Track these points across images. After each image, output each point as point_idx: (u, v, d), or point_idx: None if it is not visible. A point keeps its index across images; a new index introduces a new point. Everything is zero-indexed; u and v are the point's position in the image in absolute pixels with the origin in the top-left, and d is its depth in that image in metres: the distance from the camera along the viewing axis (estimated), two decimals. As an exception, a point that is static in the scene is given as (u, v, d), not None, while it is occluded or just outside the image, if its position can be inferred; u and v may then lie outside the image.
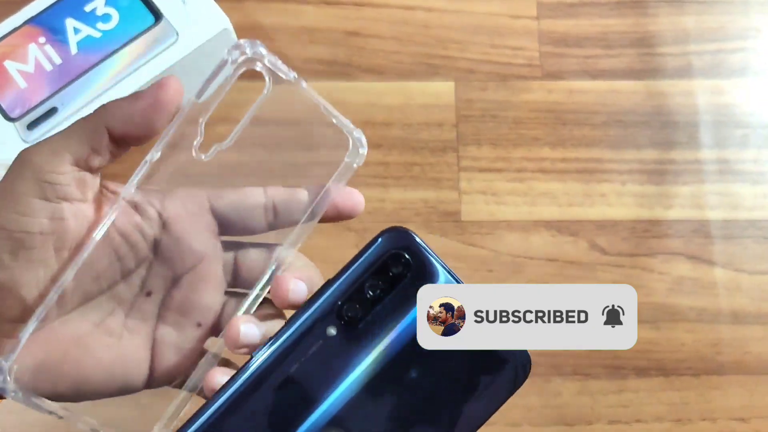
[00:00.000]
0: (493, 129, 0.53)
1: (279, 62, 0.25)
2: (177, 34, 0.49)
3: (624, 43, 0.55)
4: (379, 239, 0.23)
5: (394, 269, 0.23)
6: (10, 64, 0.48)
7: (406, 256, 0.23)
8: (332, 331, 0.23)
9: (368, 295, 0.23)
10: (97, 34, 0.49)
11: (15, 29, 0.49)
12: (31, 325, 0.24)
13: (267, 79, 0.25)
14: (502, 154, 0.53)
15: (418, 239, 0.24)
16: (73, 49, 0.48)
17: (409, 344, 0.23)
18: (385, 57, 0.55)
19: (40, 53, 0.48)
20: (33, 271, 0.24)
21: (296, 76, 0.26)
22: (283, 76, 0.25)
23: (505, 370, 0.24)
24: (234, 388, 0.23)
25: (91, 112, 0.25)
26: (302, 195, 0.27)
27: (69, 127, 0.25)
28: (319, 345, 0.23)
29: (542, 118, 0.54)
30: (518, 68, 0.55)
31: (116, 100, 0.25)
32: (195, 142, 0.26)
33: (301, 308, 0.24)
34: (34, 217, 0.24)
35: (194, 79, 0.51)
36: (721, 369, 0.49)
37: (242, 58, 0.25)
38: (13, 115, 0.47)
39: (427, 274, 0.23)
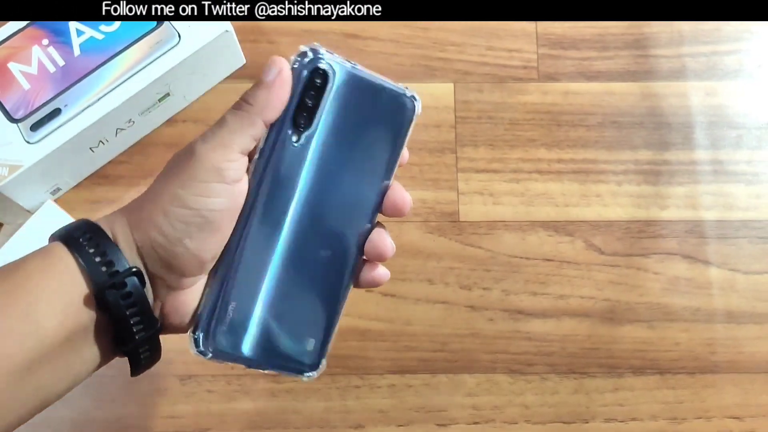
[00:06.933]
0: (490, 130, 0.54)
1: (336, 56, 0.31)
2: (179, 36, 0.49)
3: (619, 46, 0.56)
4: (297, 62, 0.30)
5: (318, 80, 0.30)
6: (13, 66, 0.48)
7: (323, 68, 0.30)
8: (293, 137, 0.31)
9: (308, 104, 0.30)
10: (100, 36, 0.49)
11: (18, 31, 0.49)
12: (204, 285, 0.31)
13: (330, 73, 0.30)
14: (499, 155, 0.53)
15: (325, 52, 0.31)
16: (76, 51, 0.49)
17: (343, 123, 0.31)
18: (384, 59, 0.55)
19: (43, 55, 0.48)
20: (213, 241, 0.29)
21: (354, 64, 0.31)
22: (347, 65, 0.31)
23: (400, 109, 0.33)
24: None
25: (241, 108, 0.30)
26: None
27: (228, 122, 0.29)
28: (288, 150, 0.31)
29: (538, 120, 0.54)
30: (515, 70, 0.55)
31: (253, 93, 0.30)
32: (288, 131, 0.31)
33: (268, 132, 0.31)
34: (216, 197, 0.29)
35: (196, 81, 0.52)
36: (716, 368, 0.50)
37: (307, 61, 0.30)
38: (16, 117, 0.47)
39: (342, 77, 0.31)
